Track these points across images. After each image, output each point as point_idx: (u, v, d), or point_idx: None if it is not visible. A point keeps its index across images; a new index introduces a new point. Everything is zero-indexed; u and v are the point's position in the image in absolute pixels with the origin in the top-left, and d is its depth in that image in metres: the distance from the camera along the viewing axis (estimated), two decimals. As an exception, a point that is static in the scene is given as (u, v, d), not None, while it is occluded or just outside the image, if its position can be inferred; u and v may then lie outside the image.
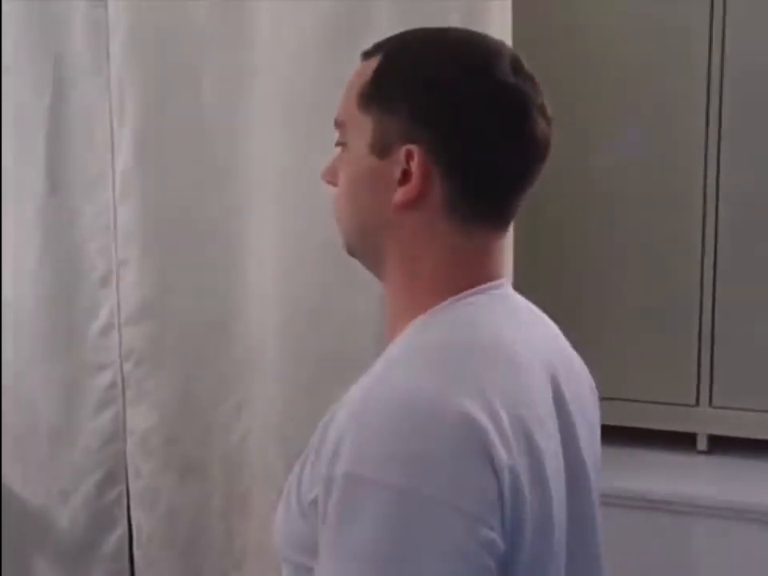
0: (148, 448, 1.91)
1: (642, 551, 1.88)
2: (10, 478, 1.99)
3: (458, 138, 0.94)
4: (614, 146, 2.06)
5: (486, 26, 1.61)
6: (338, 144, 1.01)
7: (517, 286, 1.07)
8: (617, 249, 2.07)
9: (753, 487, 1.92)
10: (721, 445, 2.07)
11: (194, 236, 1.85)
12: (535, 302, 1.07)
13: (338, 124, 1.01)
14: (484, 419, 0.85)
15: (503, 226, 1.00)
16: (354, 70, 1.01)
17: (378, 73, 0.97)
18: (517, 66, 0.96)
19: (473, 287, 0.97)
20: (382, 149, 0.96)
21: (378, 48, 1.00)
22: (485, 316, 0.97)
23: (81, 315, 1.93)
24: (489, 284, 0.98)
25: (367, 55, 1.00)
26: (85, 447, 1.95)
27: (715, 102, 1.98)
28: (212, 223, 1.84)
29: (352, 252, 1.04)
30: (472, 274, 0.98)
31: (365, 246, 1.02)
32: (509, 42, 1.60)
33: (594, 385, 1.10)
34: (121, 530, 1.96)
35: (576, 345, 1.09)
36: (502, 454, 0.84)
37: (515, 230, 1.59)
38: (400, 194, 0.95)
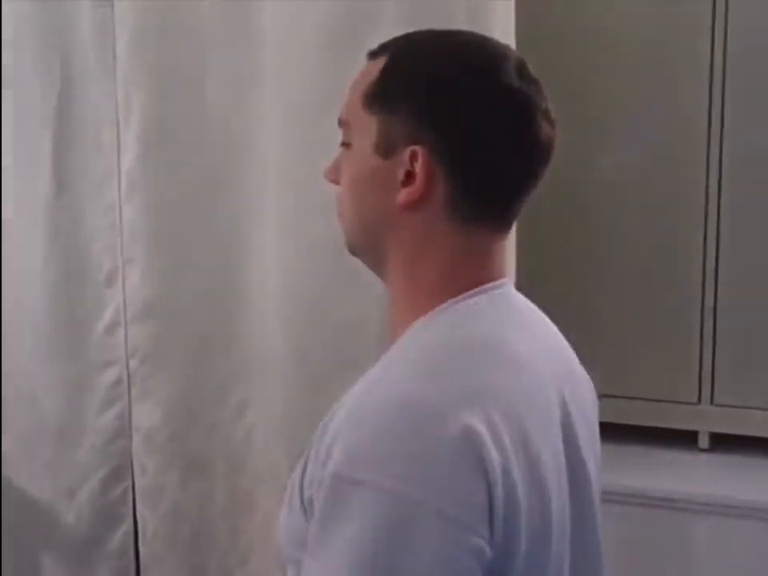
0: (153, 445, 1.91)
1: (643, 548, 1.87)
2: (18, 474, 1.99)
3: (462, 141, 0.94)
4: (617, 146, 2.05)
5: (490, 25, 1.60)
6: (341, 143, 1.01)
7: (519, 286, 1.06)
8: (618, 248, 2.07)
9: (754, 485, 1.91)
10: (722, 442, 2.06)
11: (199, 236, 1.85)
12: (537, 301, 1.07)
13: (342, 123, 1.01)
14: (481, 429, 0.84)
15: (505, 228, 1.00)
16: (358, 69, 1.01)
17: (384, 73, 0.97)
18: (522, 69, 0.96)
19: (474, 288, 0.97)
20: (386, 149, 0.95)
21: (383, 48, 0.99)
22: (485, 316, 0.96)
23: (86, 314, 1.93)
24: (490, 284, 0.98)
25: (373, 55, 1.00)
26: (91, 444, 1.95)
27: (717, 102, 1.97)
28: (216, 223, 1.84)
29: (354, 251, 1.03)
30: (473, 274, 0.97)
31: (367, 245, 1.01)
32: (512, 41, 1.60)
33: (592, 385, 1.09)
34: (126, 526, 1.96)
35: (578, 343, 1.09)
36: (496, 464, 0.84)
37: (517, 229, 1.58)
38: (403, 195, 0.95)
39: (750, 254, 2.00)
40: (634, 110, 2.03)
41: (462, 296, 0.96)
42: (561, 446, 0.96)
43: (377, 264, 1.02)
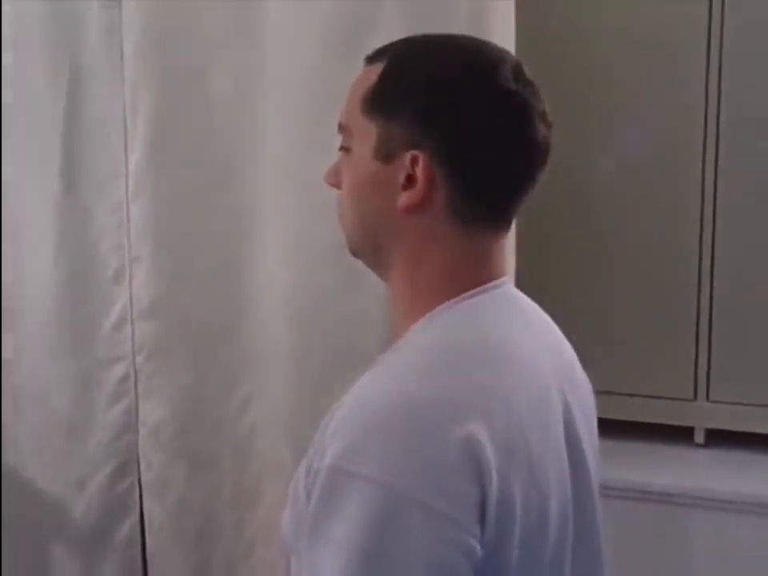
0: (159, 440, 1.91)
1: (640, 542, 1.88)
2: (29, 467, 1.99)
3: (461, 144, 0.94)
4: (616, 146, 2.05)
5: (490, 25, 1.60)
6: (341, 148, 1.01)
7: (519, 284, 1.06)
8: (616, 247, 2.07)
9: (749, 479, 1.91)
10: (718, 438, 2.06)
11: (205, 235, 1.85)
12: (537, 300, 1.07)
13: (342, 128, 1.01)
14: (479, 430, 0.84)
15: (505, 227, 1.00)
16: (357, 73, 1.01)
17: (382, 79, 0.97)
18: (518, 72, 0.96)
19: (475, 287, 0.97)
20: (386, 154, 0.95)
21: (380, 54, 0.99)
22: (486, 316, 0.96)
23: (94, 311, 1.93)
24: (491, 284, 0.98)
25: (370, 60, 1.00)
26: (98, 439, 1.95)
27: (713, 109, 1.97)
28: (222, 222, 1.84)
29: (355, 253, 1.04)
30: (474, 274, 0.98)
31: (368, 248, 1.01)
32: (512, 41, 1.59)
33: (589, 381, 1.10)
34: (133, 518, 1.96)
35: (577, 341, 1.09)
36: (492, 466, 0.84)
37: (517, 228, 1.58)
38: (404, 199, 0.95)
39: (744, 253, 2.00)
40: (633, 110, 2.03)
41: (462, 296, 0.96)
42: (563, 443, 0.96)
43: (378, 266, 1.02)
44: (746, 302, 2.00)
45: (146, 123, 1.84)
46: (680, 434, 2.08)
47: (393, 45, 1.00)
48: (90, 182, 1.90)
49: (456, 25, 1.60)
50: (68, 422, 1.96)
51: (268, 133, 1.79)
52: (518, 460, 0.87)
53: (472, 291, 0.96)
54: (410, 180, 0.94)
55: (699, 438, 2.07)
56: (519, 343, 0.96)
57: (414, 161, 0.94)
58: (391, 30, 1.60)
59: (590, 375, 1.09)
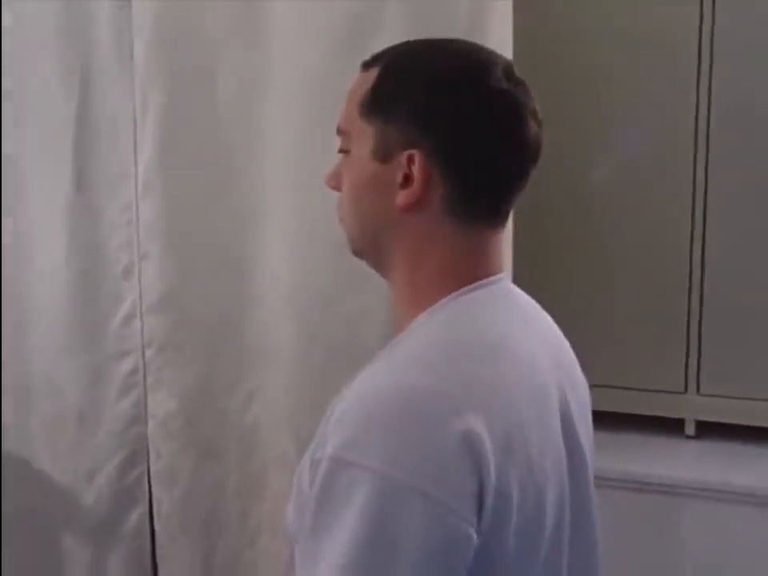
0: (168, 431, 1.91)
1: (632, 530, 1.88)
2: (41, 459, 2.00)
3: (456, 143, 0.95)
4: (611, 146, 2.05)
5: (489, 25, 1.60)
6: (340, 151, 1.01)
7: (517, 281, 1.06)
8: (610, 245, 2.07)
9: (738, 470, 1.92)
10: (708, 430, 2.07)
11: (212, 232, 1.85)
12: (533, 296, 1.07)
13: (341, 132, 1.01)
14: (478, 425, 0.85)
15: (501, 223, 1.01)
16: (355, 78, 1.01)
17: (379, 83, 0.97)
18: (509, 73, 0.97)
19: (473, 283, 0.96)
20: (384, 154, 0.96)
21: (376, 59, 1.00)
22: (485, 311, 0.97)
23: (105, 306, 1.93)
24: (488, 279, 0.98)
25: (366, 66, 1.01)
26: (109, 430, 1.95)
27: (704, 110, 1.98)
28: (228, 221, 1.84)
29: (358, 253, 1.04)
30: (472, 270, 0.98)
31: (369, 247, 1.02)
32: (510, 42, 1.59)
33: (584, 377, 1.10)
34: (142, 507, 1.96)
35: (573, 336, 1.09)
36: (491, 458, 0.85)
37: (515, 227, 1.58)
38: (402, 197, 0.95)
39: (734, 252, 2.00)
40: (629, 109, 2.03)
41: (462, 290, 0.96)
42: (560, 436, 0.96)
43: (379, 264, 1.02)
44: (735, 300, 2.01)
45: (155, 123, 1.83)
46: (671, 426, 2.08)
47: (387, 51, 1.01)
48: (100, 181, 1.90)
49: (457, 25, 1.59)
50: (79, 413, 1.96)
51: (272, 133, 1.78)
52: (516, 453, 0.87)
53: (471, 286, 0.97)
54: (408, 179, 0.95)
55: (690, 429, 2.07)
56: (517, 338, 0.96)
57: (411, 160, 0.94)
58: (393, 30, 1.60)
59: (584, 369, 1.09)
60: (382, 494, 0.81)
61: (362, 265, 1.06)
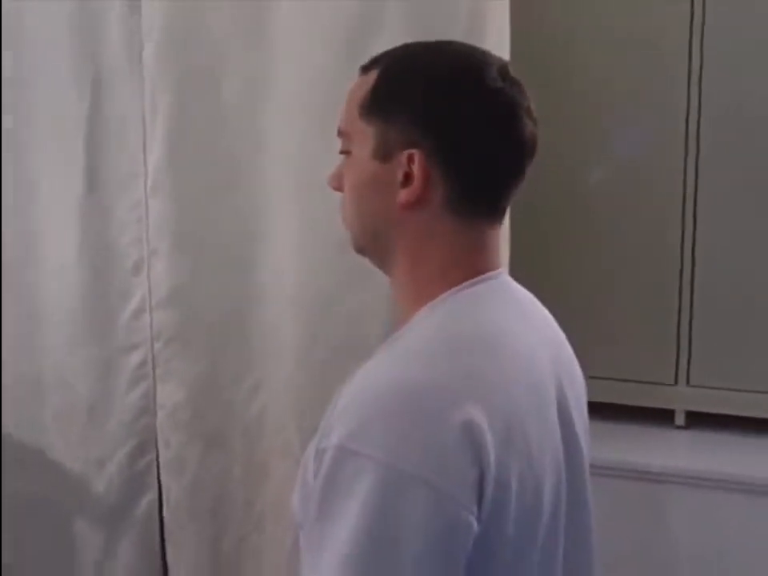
0: (176, 421, 1.91)
1: (624, 517, 1.88)
2: (54, 448, 2.00)
3: (455, 142, 0.95)
4: (603, 145, 2.05)
5: (487, 24, 1.60)
6: (342, 152, 1.01)
7: (514, 275, 1.06)
8: (603, 241, 2.08)
9: (726, 459, 1.93)
10: (697, 420, 2.08)
11: (219, 230, 1.85)
12: (530, 290, 1.07)
13: (342, 133, 1.02)
14: (480, 417, 0.85)
15: (499, 219, 1.01)
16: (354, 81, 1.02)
17: (378, 85, 0.98)
18: (504, 72, 0.97)
19: (472, 278, 0.96)
20: (384, 154, 0.96)
21: (374, 63, 1.01)
22: (484, 306, 0.97)
23: (115, 301, 1.93)
24: (487, 274, 0.98)
25: (365, 69, 1.01)
26: (119, 420, 1.95)
27: (694, 111, 1.98)
28: (235, 219, 1.84)
29: (360, 251, 1.04)
30: (472, 265, 0.98)
31: (371, 245, 1.02)
32: (507, 41, 1.59)
33: (580, 369, 1.10)
34: (151, 495, 1.96)
35: (567, 329, 1.10)
36: (491, 449, 0.85)
37: (512, 224, 1.58)
38: (403, 195, 0.96)
39: (723, 250, 2.01)
40: (623, 109, 2.03)
41: (463, 284, 0.96)
42: (557, 427, 0.96)
43: (382, 262, 1.02)
44: (723, 299, 2.02)
45: (164, 124, 1.82)
46: (662, 417, 2.08)
47: (385, 54, 1.01)
48: (110, 180, 1.90)
49: (456, 25, 1.59)
50: (90, 404, 1.96)
51: (276, 134, 1.78)
52: (515, 444, 0.87)
53: (472, 280, 0.97)
54: (408, 178, 0.95)
55: (680, 420, 2.08)
56: (516, 333, 0.96)
57: (411, 159, 0.94)
58: (394, 30, 1.60)
59: (580, 361, 1.09)
60: (385, 483, 0.82)
61: (362, 264, 1.06)
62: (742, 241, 1.99)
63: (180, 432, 1.91)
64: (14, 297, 1.98)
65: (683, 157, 1.99)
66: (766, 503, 1.82)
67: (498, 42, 1.57)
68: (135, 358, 1.93)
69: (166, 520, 1.95)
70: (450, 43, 1.02)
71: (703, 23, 1.94)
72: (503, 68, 0.97)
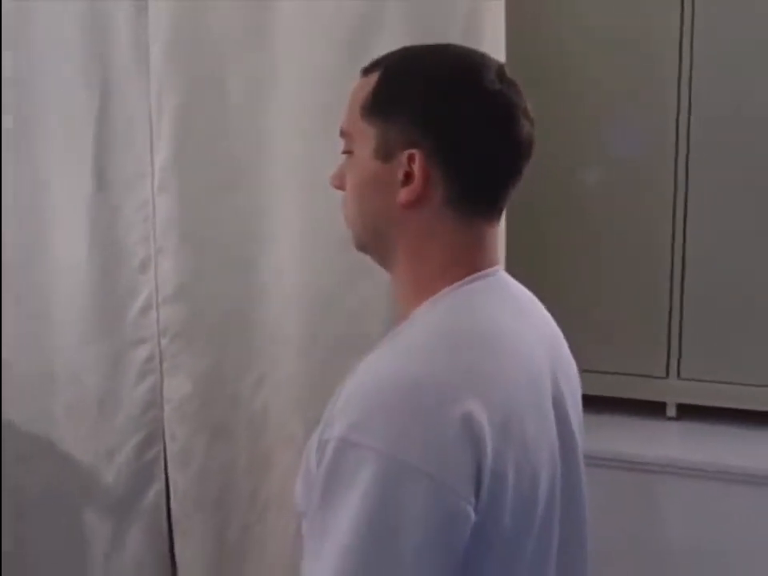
0: (183, 414, 1.91)
1: (617, 506, 1.88)
2: (64, 441, 2.00)
3: (454, 142, 0.95)
4: (596, 145, 2.05)
5: (484, 25, 1.60)
6: (344, 152, 1.01)
7: (510, 271, 1.07)
8: (597, 237, 2.08)
9: (716, 450, 1.93)
10: (688, 412, 2.08)
11: (224, 228, 1.85)
12: (525, 285, 1.07)
13: (344, 134, 1.02)
14: (478, 410, 0.85)
15: (497, 217, 1.02)
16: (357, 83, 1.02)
17: (379, 86, 0.98)
18: (501, 74, 0.98)
19: (471, 275, 0.97)
20: (385, 154, 0.97)
21: (375, 65, 1.01)
22: (483, 302, 0.97)
23: (123, 297, 1.93)
24: (485, 271, 0.99)
25: (366, 71, 1.02)
26: (127, 413, 1.95)
27: (684, 111, 1.97)
28: (239, 217, 1.84)
29: (362, 249, 1.05)
30: (470, 262, 0.99)
31: (373, 243, 1.02)
32: (503, 41, 1.59)
33: (574, 362, 1.10)
34: (159, 486, 1.97)
35: (561, 324, 1.09)
36: (489, 442, 0.86)
37: (508, 222, 1.58)
38: (403, 194, 0.96)
39: (713, 244, 2.01)
40: (618, 109, 2.02)
41: (463, 281, 0.96)
42: (553, 420, 0.97)
43: (383, 259, 1.03)
44: (713, 291, 2.02)
45: (170, 124, 1.82)
46: (653, 409, 2.09)
47: (386, 57, 1.02)
48: (118, 180, 1.90)
49: (454, 26, 1.59)
50: (99, 398, 1.96)
51: (279, 134, 1.78)
52: (513, 437, 0.88)
53: (471, 277, 0.97)
54: (408, 177, 0.95)
55: (671, 412, 2.08)
56: (513, 329, 0.97)
57: (411, 159, 0.95)
58: (394, 30, 1.60)
59: (573, 355, 1.10)
60: (386, 474, 0.82)
61: (362, 263, 1.06)
62: (732, 237, 1.99)
63: (186, 424, 1.91)
64: (26, 295, 1.98)
65: (674, 156, 1.99)
66: (756, 492, 1.82)
67: (493, 43, 1.57)
68: (142, 353, 1.93)
69: (172, 510, 1.95)
70: (449, 46, 1.03)
71: (693, 25, 1.94)
72: (501, 70, 0.98)
